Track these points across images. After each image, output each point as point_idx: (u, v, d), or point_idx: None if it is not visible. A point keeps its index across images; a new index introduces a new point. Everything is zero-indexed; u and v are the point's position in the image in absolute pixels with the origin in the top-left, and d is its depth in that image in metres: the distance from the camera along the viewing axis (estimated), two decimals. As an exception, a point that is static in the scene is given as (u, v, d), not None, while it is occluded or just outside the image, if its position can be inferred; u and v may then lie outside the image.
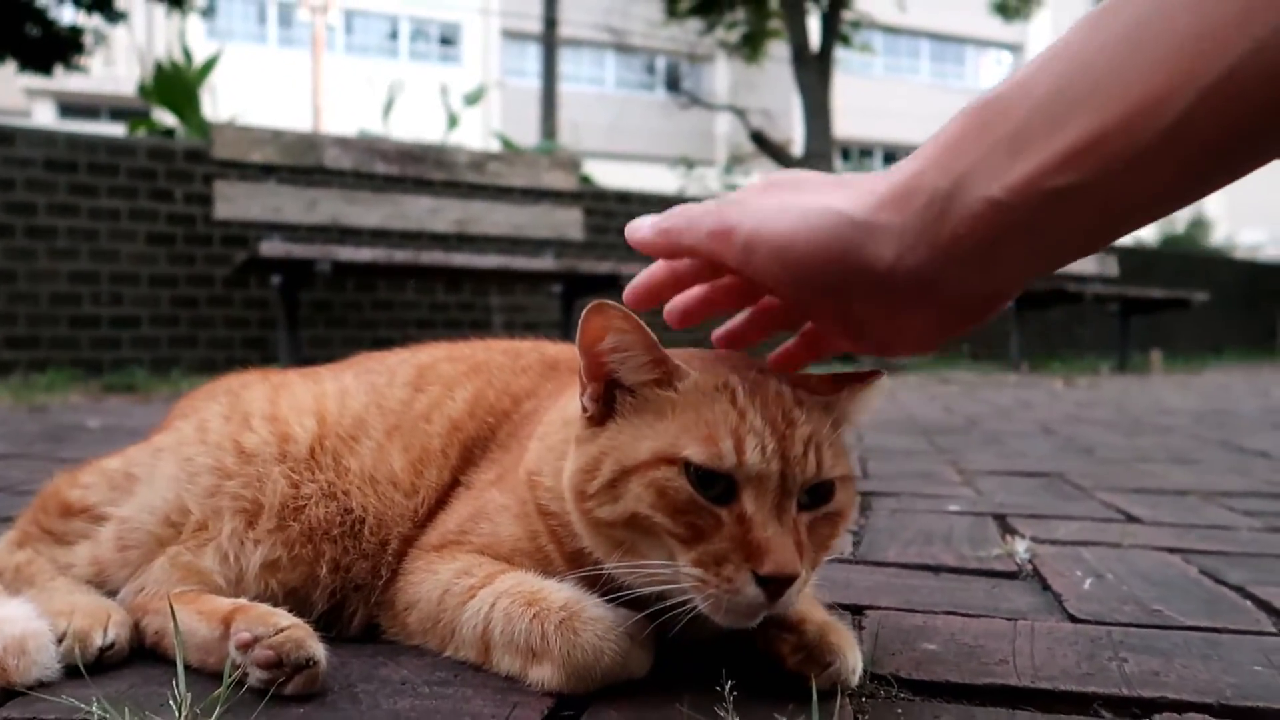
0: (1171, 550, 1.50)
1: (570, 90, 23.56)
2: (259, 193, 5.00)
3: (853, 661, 0.85)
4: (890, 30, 26.95)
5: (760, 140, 15.61)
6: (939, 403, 4.79)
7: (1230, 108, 0.55)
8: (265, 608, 0.87)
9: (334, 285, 6.00)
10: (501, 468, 0.99)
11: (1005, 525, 1.69)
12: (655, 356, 0.81)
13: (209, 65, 7.66)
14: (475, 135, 18.02)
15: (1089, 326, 10.08)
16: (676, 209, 0.82)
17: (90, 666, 0.86)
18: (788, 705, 0.80)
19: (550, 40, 17.01)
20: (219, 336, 5.74)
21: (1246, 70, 0.54)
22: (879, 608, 1.14)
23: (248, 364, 1.19)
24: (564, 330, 5.63)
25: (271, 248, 4.51)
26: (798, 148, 15.98)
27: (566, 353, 1.17)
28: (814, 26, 14.68)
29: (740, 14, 16.62)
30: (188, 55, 7.64)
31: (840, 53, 15.73)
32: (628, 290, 0.89)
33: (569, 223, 5.84)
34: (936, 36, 31.97)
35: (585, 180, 7.36)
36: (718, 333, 0.94)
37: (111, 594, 0.97)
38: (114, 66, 22.60)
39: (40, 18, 8.70)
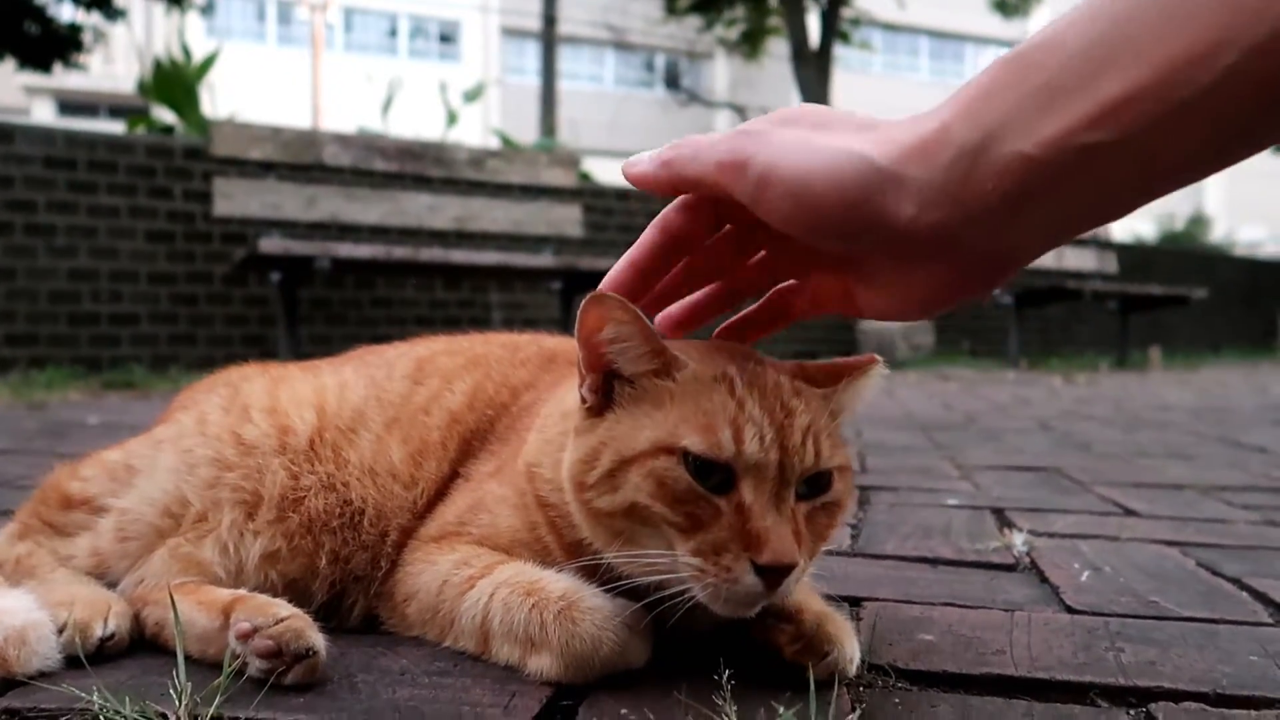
0: (1169, 543, 1.50)
1: (569, 88, 23.54)
2: (258, 190, 5.00)
3: (850, 651, 0.85)
4: (889, 28, 26.95)
5: (759, 138, 15.59)
6: (938, 399, 4.79)
7: (1272, 69, 0.53)
8: (265, 598, 0.88)
9: (333, 282, 6.00)
10: (500, 460, 1.00)
11: (1003, 519, 1.69)
12: (653, 347, 0.81)
13: (208, 63, 7.65)
14: (474, 132, 18.01)
15: (1088, 323, 10.09)
16: (678, 141, 0.79)
17: (91, 657, 0.86)
18: (785, 694, 0.80)
19: (549, 38, 17.00)
20: (218, 334, 5.74)
21: None
22: (877, 599, 1.14)
23: (247, 361, 1.19)
24: (563, 327, 5.63)
25: (271, 245, 4.51)
26: (797, 145, 15.94)
27: (565, 345, 1.17)
28: (813, 24, 14.68)
29: (739, 11, 16.62)
30: (187, 53, 7.63)
31: (839, 50, 15.74)
32: (606, 280, 0.85)
33: (568, 220, 5.84)
34: (936, 34, 31.95)
35: (584, 177, 7.35)
36: (670, 310, 0.89)
37: (112, 585, 0.98)
38: (113, 64, 22.61)
39: (39, 15, 8.69)
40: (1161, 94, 0.56)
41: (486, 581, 0.87)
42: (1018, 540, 1.45)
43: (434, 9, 28.31)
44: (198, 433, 1.02)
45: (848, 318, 0.90)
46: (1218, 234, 30.23)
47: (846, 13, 15.46)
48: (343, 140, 5.30)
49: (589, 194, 7.07)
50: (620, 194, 7.41)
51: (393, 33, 28.83)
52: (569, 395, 0.91)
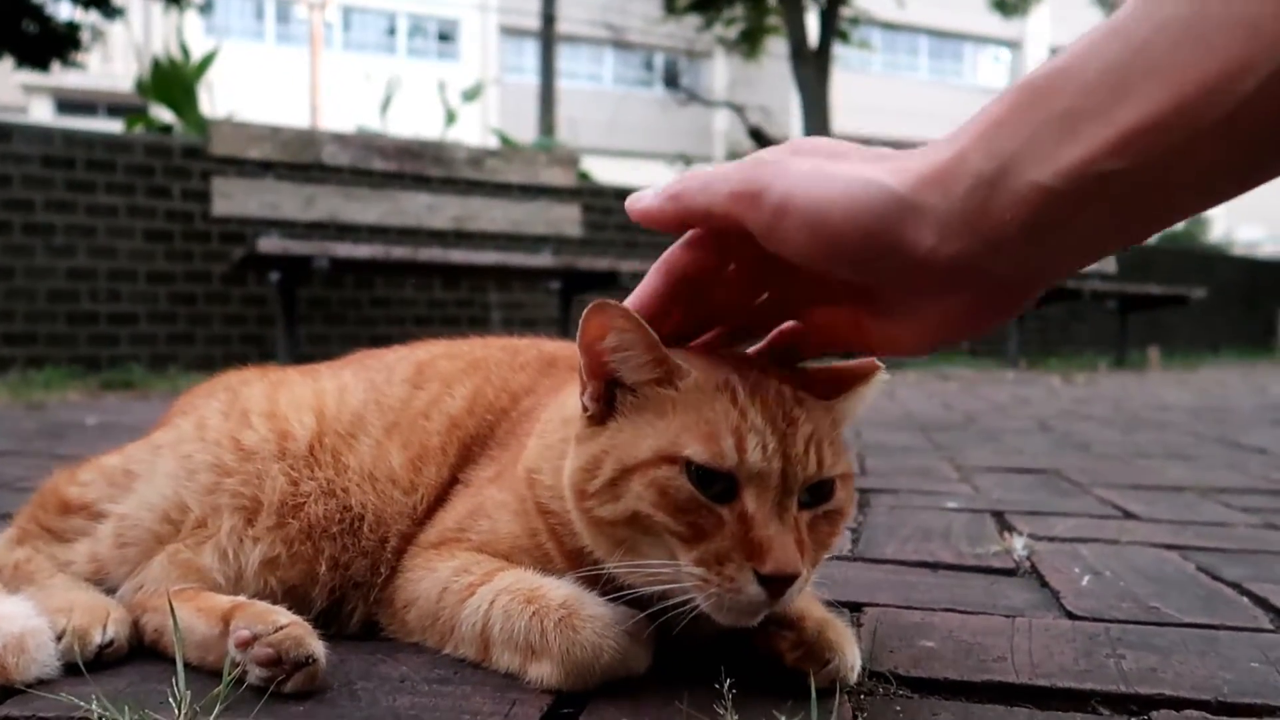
0: (1169, 547, 1.50)
1: (568, 87, 23.53)
2: (257, 189, 5.00)
3: (851, 659, 0.85)
4: (889, 27, 26.93)
5: (758, 137, 15.62)
6: (937, 399, 4.79)
7: None
8: (264, 605, 0.87)
9: (332, 282, 5.99)
10: (500, 465, 0.99)
11: (1003, 522, 1.69)
12: (656, 355, 0.80)
13: (206, 62, 7.64)
14: (473, 132, 18.00)
15: (1087, 323, 10.09)
16: (684, 174, 0.78)
17: (89, 664, 0.86)
18: (787, 703, 0.80)
19: (548, 36, 16.99)
20: (217, 333, 5.74)
21: None
22: (877, 605, 1.14)
23: (246, 361, 1.19)
24: (562, 326, 5.63)
25: (269, 244, 4.51)
26: (796, 144, 15.94)
27: (564, 350, 1.17)
28: (812, 23, 14.67)
29: (739, 10, 16.61)
30: (185, 52, 7.62)
31: (839, 49, 15.73)
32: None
33: (567, 219, 5.84)
34: (935, 33, 31.94)
35: (583, 177, 7.35)
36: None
37: (111, 591, 0.97)
38: (111, 63, 22.58)
39: (37, 14, 8.67)
40: (1181, 122, 0.55)
41: (487, 589, 0.87)
42: (1018, 544, 1.45)
43: (433, 8, 28.29)
44: (197, 438, 1.01)
45: None
46: (1216, 234, 30.26)
47: (846, 12, 15.46)
48: (341, 140, 5.29)
49: (588, 193, 7.07)
50: (619, 193, 7.40)
51: (391, 31, 28.80)
52: (569, 401, 0.91)
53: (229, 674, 0.79)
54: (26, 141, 5.22)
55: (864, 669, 0.88)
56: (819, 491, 0.81)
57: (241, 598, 0.91)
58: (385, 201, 5.39)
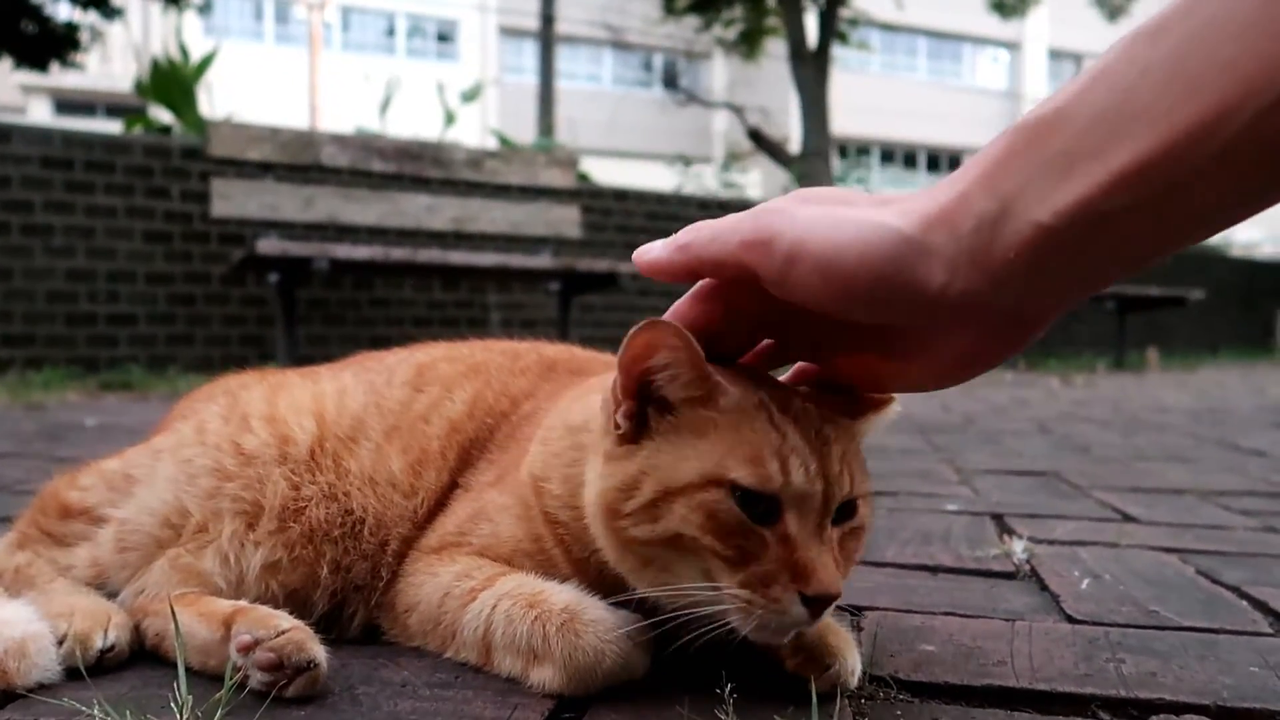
0: (1168, 550, 1.51)
1: (567, 87, 23.53)
2: (256, 190, 5.00)
3: (852, 663, 0.85)
4: (888, 28, 26.93)
5: (757, 138, 15.61)
6: (936, 401, 4.79)
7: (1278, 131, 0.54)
8: (266, 610, 0.87)
9: (331, 283, 5.99)
10: (500, 468, 0.99)
11: (1003, 525, 1.69)
12: (702, 374, 0.79)
13: (205, 62, 7.65)
14: (472, 132, 18.00)
15: (1086, 324, 10.10)
16: (691, 226, 0.78)
17: (91, 669, 0.86)
18: (787, 707, 0.80)
19: (547, 37, 16.99)
20: (216, 334, 5.73)
21: None
22: (878, 608, 1.14)
23: (245, 362, 1.19)
24: (562, 328, 5.63)
25: (268, 245, 4.51)
26: (795, 145, 15.99)
27: (564, 354, 1.17)
28: (811, 24, 14.69)
29: (738, 11, 16.62)
30: (184, 52, 7.62)
31: (838, 50, 15.74)
32: None
33: (566, 220, 5.84)
34: (934, 34, 31.95)
35: (583, 178, 7.35)
36: None
37: (111, 596, 0.97)
38: (110, 63, 22.58)
39: (36, 14, 8.67)
40: (1173, 162, 0.57)
41: (489, 593, 0.87)
42: (1017, 547, 1.45)
43: (432, 8, 28.29)
44: (197, 442, 1.01)
45: None
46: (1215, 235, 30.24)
47: (844, 13, 15.46)
48: (340, 141, 5.29)
49: (587, 194, 7.07)
50: (618, 194, 7.41)
51: (390, 32, 28.79)
52: (574, 408, 0.91)
53: (230, 679, 0.79)
54: (25, 142, 5.22)
55: (864, 673, 0.88)
56: (847, 509, 0.82)
57: (243, 602, 0.91)
58: (384, 203, 5.39)
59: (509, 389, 1.08)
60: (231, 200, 4.93)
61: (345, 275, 5.91)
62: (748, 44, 17.28)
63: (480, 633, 0.86)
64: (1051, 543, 1.54)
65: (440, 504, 1.01)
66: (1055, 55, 32.68)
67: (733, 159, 13.03)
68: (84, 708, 0.77)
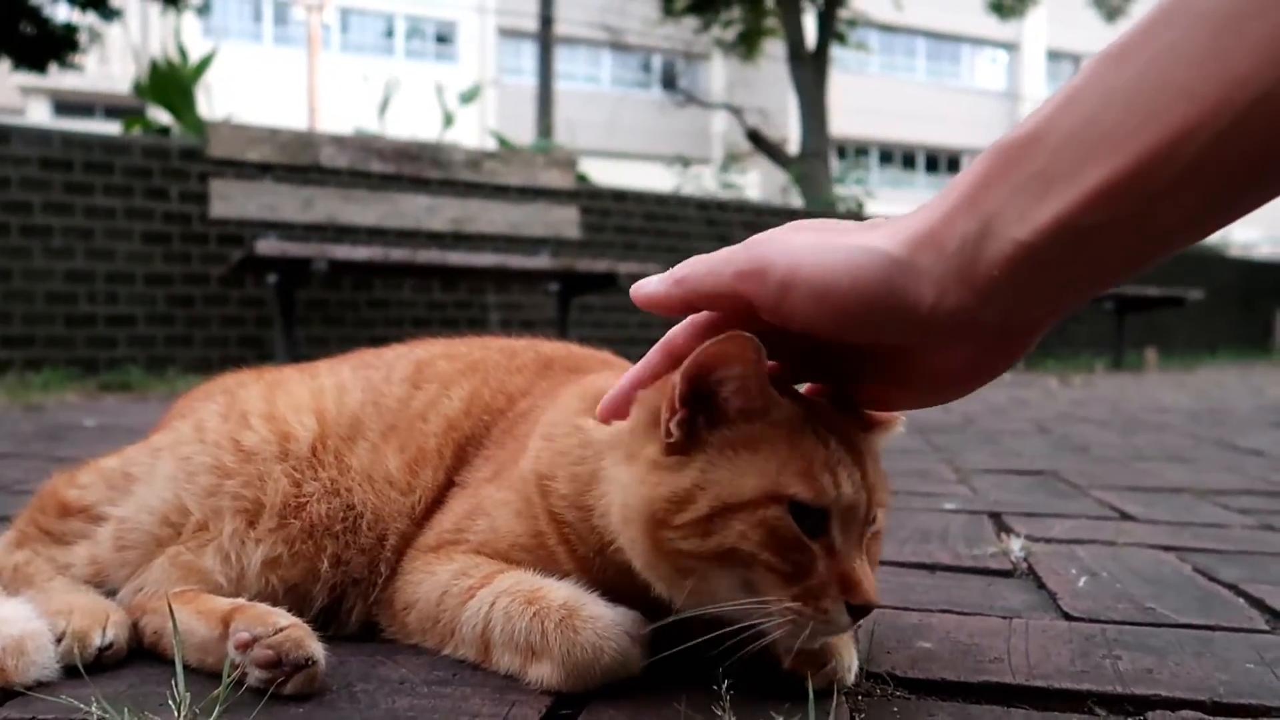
0: (1165, 548, 1.51)
1: (566, 88, 23.53)
2: (255, 191, 4.99)
3: (849, 660, 0.85)
4: (886, 29, 26.96)
5: (756, 139, 15.62)
6: (935, 401, 4.79)
7: (1238, 152, 0.57)
8: (264, 607, 0.87)
9: (330, 284, 5.99)
10: (497, 464, 1.00)
11: (1001, 523, 1.70)
12: (763, 386, 0.79)
13: (204, 63, 7.65)
14: (471, 133, 18.01)
15: (1084, 324, 10.10)
16: (686, 261, 0.79)
17: (89, 666, 0.86)
18: (784, 704, 0.80)
19: (546, 38, 16.99)
20: (215, 335, 5.73)
21: (1250, 118, 0.55)
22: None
23: (244, 363, 1.19)
24: (560, 328, 5.64)
25: (267, 246, 4.50)
26: (793, 146, 15.99)
27: (561, 351, 1.17)
28: (810, 25, 14.70)
29: (736, 12, 16.63)
30: (183, 53, 7.62)
31: (836, 51, 15.76)
32: (616, 397, 0.85)
33: (565, 221, 5.84)
34: (933, 35, 31.98)
35: (581, 179, 7.35)
36: None
37: (110, 594, 0.97)
38: (109, 65, 22.58)
39: (35, 15, 8.66)
40: (1140, 182, 0.59)
41: (487, 591, 0.87)
42: (1015, 545, 1.45)
43: (430, 9, 28.30)
44: (196, 440, 1.01)
45: None
46: (1213, 235, 30.28)
47: (843, 14, 15.48)
48: (339, 141, 5.29)
49: (586, 195, 7.07)
50: (617, 195, 7.41)
51: (389, 33, 28.80)
52: (585, 407, 0.91)
53: (229, 676, 0.80)
54: (24, 143, 5.21)
55: (861, 670, 0.88)
56: (872, 517, 0.83)
57: (241, 599, 0.91)
58: (383, 203, 5.39)
59: (505, 386, 1.09)
60: (230, 201, 4.93)
61: (344, 276, 5.91)
62: (746, 45, 17.29)
63: (479, 630, 0.86)
64: (1049, 541, 1.54)
65: (438, 501, 1.01)
66: (1054, 56, 32.71)
67: (731, 160, 13.03)
68: (82, 705, 0.77)
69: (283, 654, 0.81)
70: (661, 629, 0.84)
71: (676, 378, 0.78)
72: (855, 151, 25.94)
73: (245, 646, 0.81)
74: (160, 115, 7.34)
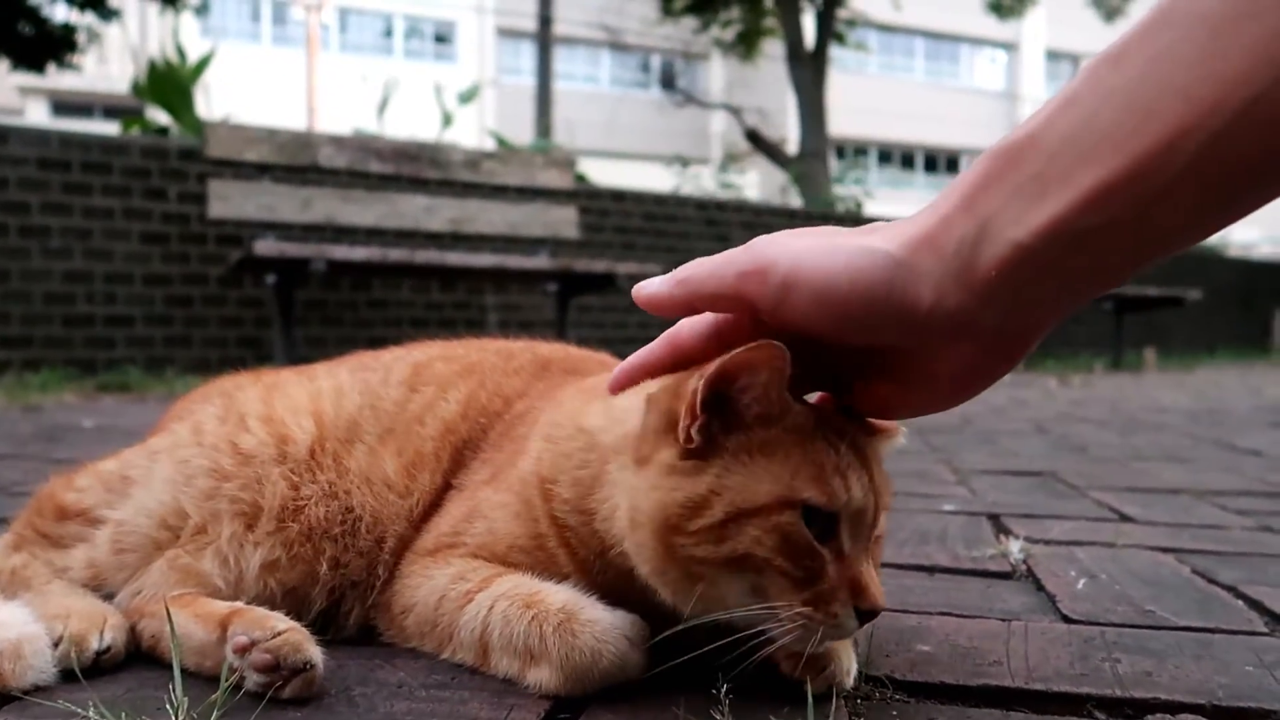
0: (1164, 550, 1.51)
1: (565, 88, 23.53)
2: (253, 191, 4.99)
3: (847, 664, 0.85)
4: (885, 29, 26.97)
5: (755, 139, 15.63)
6: (934, 401, 4.79)
7: (1235, 153, 0.57)
8: (262, 611, 0.87)
9: (329, 284, 5.99)
10: (494, 466, 0.99)
11: (999, 525, 1.70)
12: (782, 393, 0.79)
13: (203, 64, 7.64)
14: (470, 134, 18.00)
15: (1083, 324, 10.11)
16: (689, 263, 0.80)
17: (86, 670, 0.86)
18: (783, 708, 0.80)
19: (545, 38, 16.99)
20: (213, 336, 5.73)
21: (1247, 119, 0.56)
22: (874, 608, 1.14)
23: (242, 363, 1.19)
24: (559, 329, 5.63)
25: (266, 247, 4.50)
26: (792, 146, 16.00)
27: (559, 353, 1.17)
28: (809, 25, 14.70)
29: (735, 12, 16.64)
30: (181, 54, 7.61)
31: (835, 51, 15.77)
32: (618, 375, 0.86)
33: (564, 221, 5.84)
34: (931, 35, 31.98)
35: (580, 179, 7.35)
36: None
37: (108, 597, 0.97)
38: (107, 65, 22.55)
39: (33, 15, 8.66)
40: (1137, 184, 0.60)
41: (485, 595, 0.87)
42: (1014, 547, 1.45)
43: (429, 9, 28.29)
44: (194, 443, 1.01)
45: None
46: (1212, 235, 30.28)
47: (842, 14, 15.49)
48: (338, 142, 5.29)
49: (585, 195, 7.07)
50: (616, 195, 7.41)
51: (388, 33, 28.79)
52: (590, 409, 0.90)
53: (226, 680, 0.79)
54: (22, 144, 5.21)
55: (860, 673, 0.88)
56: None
57: (239, 603, 0.91)
58: (382, 204, 5.38)
59: (502, 389, 1.08)
60: (229, 201, 4.93)
61: (343, 276, 5.90)
62: (745, 45, 17.30)
63: (477, 634, 0.86)
64: (1048, 543, 1.54)
65: (435, 505, 1.01)
66: (1053, 56, 32.73)
67: (730, 160, 13.03)
68: (79, 709, 0.77)
69: (281, 658, 0.81)
70: (662, 634, 0.84)
71: (698, 383, 0.77)
72: (854, 151, 25.95)
73: (243, 650, 0.81)
74: (159, 115, 7.33)
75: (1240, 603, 1.20)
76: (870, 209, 11.56)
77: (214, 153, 4.95)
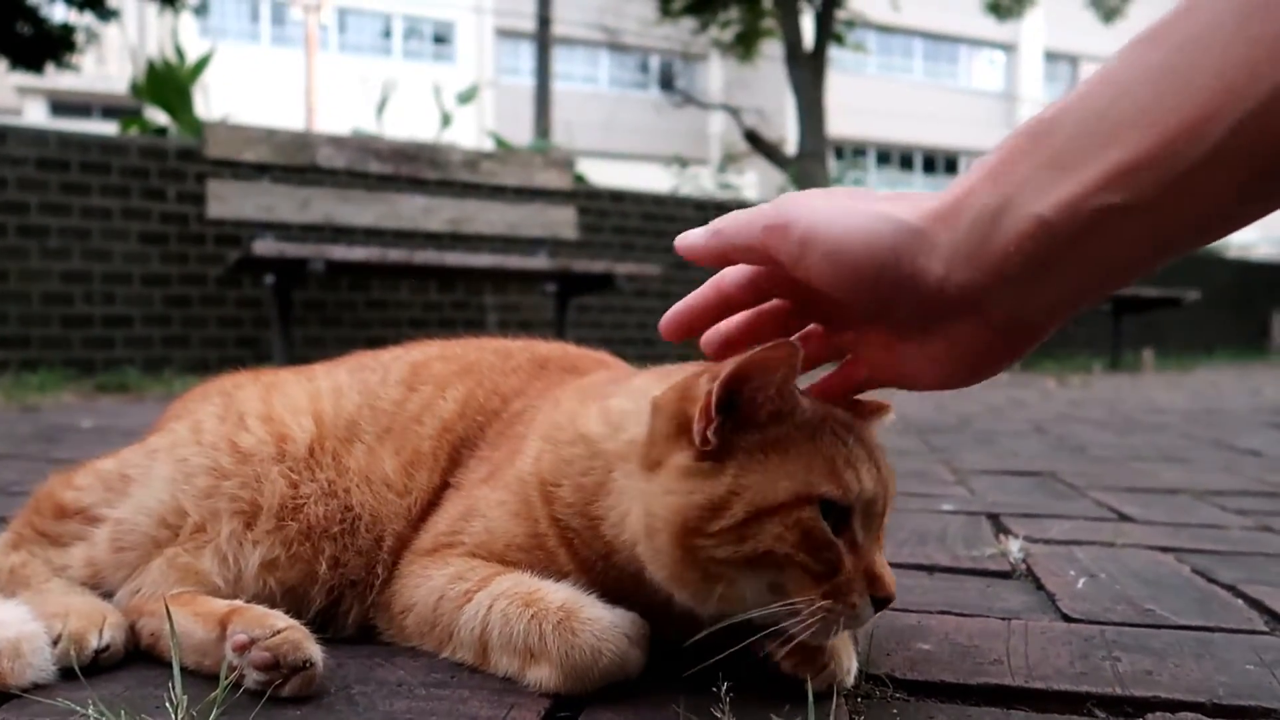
0: (1164, 549, 1.51)
1: (564, 89, 23.53)
2: (252, 192, 4.99)
3: (848, 662, 0.85)
4: (884, 29, 26.97)
5: (754, 139, 15.63)
6: (932, 401, 4.80)
7: (1263, 140, 0.57)
8: (262, 609, 0.87)
9: (327, 284, 5.99)
10: (492, 465, 0.99)
11: (999, 524, 1.70)
12: (792, 390, 0.80)
13: (202, 64, 7.63)
14: (469, 134, 17.99)
15: (1081, 325, 10.10)
16: (727, 214, 0.82)
17: (86, 669, 0.86)
18: (784, 706, 0.80)
19: (544, 39, 16.99)
20: (212, 336, 5.73)
21: (1276, 104, 0.56)
22: (874, 607, 1.14)
23: (241, 363, 1.19)
24: (558, 329, 5.63)
25: (265, 247, 4.50)
26: (791, 147, 16.00)
27: (557, 352, 1.17)
28: (808, 25, 14.70)
29: (734, 13, 16.63)
30: (180, 54, 7.61)
31: (834, 52, 15.77)
32: (668, 316, 0.87)
33: (563, 222, 5.83)
34: (930, 35, 31.98)
35: (579, 179, 7.35)
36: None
37: (107, 596, 0.97)
38: (106, 65, 22.55)
39: (32, 15, 8.65)
40: (1164, 161, 0.60)
41: (484, 594, 0.87)
42: (1014, 547, 1.45)
43: (428, 10, 28.28)
44: (193, 441, 1.01)
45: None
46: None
47: (841, 14, 15.49)
48: (337, 142, 5.28)
49: (584, 196, 7.07)
50: (615, 195, 7.41)
51: (387, 34, 28.78)
52: (591, 414, 0.90)
53: (226, 678, 0.79)
54: (21, 144, 5.21)
55: (860, 672, 0.88)
56: None
57: (239, 601, 0.90)
58: (381, 204, 5.38)
59: (500, 388, 1.08)
60: (227, 201, 4.92)
61: (341, 276, 5.90)
62: (744, 45, 17.30)
63: (477, 633, 0.86)
64: (1047, 542, 1.54)
65: (433, 503, 1.01)
66: (1051, 57, 32.74)
67: (729, 160, 13.03)
68: (79, 708, 0.77)
69: (280, 656, 0.80)
70: (661, 634, 0.84)
71: (712, 385, 0.77)
72: (853, 152, 25.97)
73: (243, 648, 0.81)
74: (157, 115, 7.32)
75: (1240, 602, 1.20)
76: (869, 209, 11.53)
77: (212, 153, 4.94)
